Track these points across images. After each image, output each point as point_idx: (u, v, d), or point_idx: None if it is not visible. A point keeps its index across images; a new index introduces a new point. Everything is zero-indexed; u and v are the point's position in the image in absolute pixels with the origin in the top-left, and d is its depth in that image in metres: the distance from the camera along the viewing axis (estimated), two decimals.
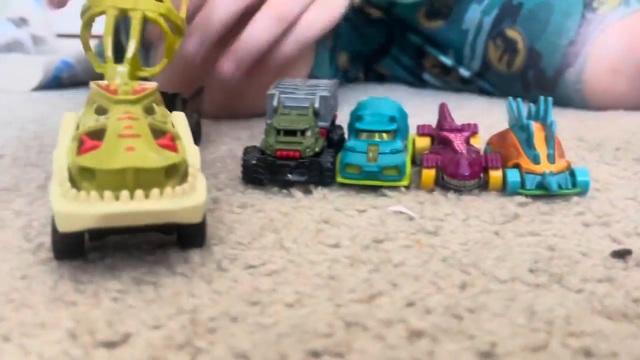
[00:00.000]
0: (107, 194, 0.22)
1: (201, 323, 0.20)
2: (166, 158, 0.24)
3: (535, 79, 0.67)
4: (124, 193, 0.22)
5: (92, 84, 0.28)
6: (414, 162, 0.40)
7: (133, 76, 0.29)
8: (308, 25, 0.46)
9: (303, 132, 0.35)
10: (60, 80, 0.76)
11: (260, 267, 0.25)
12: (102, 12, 0.31)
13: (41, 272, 0.24)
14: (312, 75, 0.60)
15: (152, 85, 0.29)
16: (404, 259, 0.26)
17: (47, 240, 0.27)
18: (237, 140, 0.49)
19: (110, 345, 0.19)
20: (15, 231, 0.28)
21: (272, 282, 0.24)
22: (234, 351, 0.19)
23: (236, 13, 0.45)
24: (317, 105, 0.37)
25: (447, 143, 0.37)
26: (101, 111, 0.27)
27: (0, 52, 0.92)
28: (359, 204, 0.33)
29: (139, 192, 0.22)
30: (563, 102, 0.64)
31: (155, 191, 0.23)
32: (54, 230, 0.24)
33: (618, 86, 0.62)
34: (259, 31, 0.45)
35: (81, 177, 0.23)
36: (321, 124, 0.38)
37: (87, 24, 0.32)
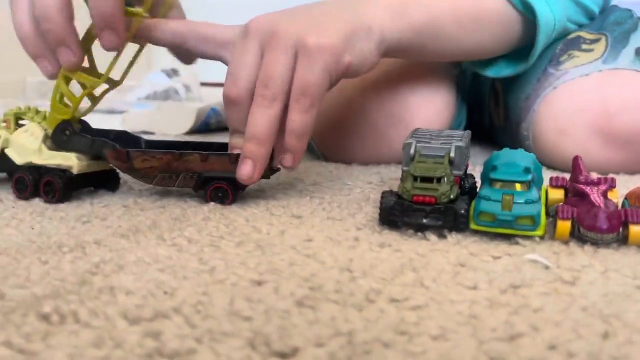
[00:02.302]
0: None
1: (357, 345, 0.23)
2: None
3: (509, 134, 0.65)
4: None
5: None
6: (547, 213, 0.40)
7: None
8: (302, 91, 0.42)
9: (439, 180, 0.38)
10: (209, 126, 0.85)
11: (404, 302, 0.27)
12: None
13: (218, 290, 0.28)
14: (450, 128, 0.63)
15: None
16: (543, 305, 0.27)
17: (220, 263, 0.31)
18: (369, 184, 0.52)
19: (283, 356, 0.22)
20: (190, 255, 0.33)
21: (416, 316, 0.26)
22: None
23: None
24: (452, 154, 0.40)
25: (583, 196, 0.37)
26: None
27: (158, 100, 1.04)
28: (493, 250, 0.34)
29: None
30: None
31: None
32: None
33: (563, 148, 0.56)
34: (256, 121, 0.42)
35: None
36: (456, 172, 0.40)
37: None
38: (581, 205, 0.36)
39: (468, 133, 0.45)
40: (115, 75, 0.47)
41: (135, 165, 0.44)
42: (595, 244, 0.35)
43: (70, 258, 0.32)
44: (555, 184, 0.42)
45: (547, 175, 0.57)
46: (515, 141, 0.63)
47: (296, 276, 0.30)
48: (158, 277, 0.30)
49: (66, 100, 0.46)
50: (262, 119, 0.42)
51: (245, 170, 0.42)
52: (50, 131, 0.46)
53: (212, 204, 0.44)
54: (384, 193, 0.39)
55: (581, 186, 0.38)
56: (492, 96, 0.70)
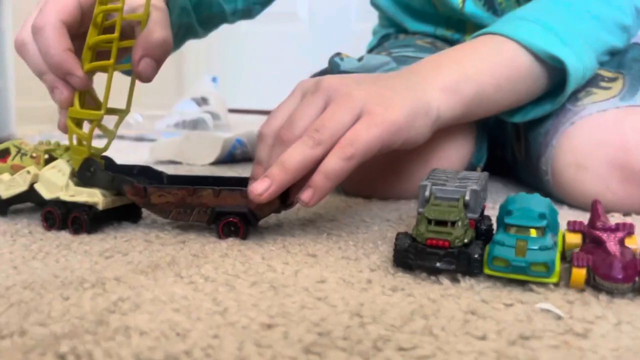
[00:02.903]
0: None
1: None
2: None
3: (530, 169, 0.65)
4: None
5: None
6: (563, 258, 0.40)
7: None
8: (350, 141, 0.43)
9: (453, 223, 0.38)
10: (234, 156, 0.87)
11: (411, 351, 0.27)
12: None
13: (229, 334, 0.29)
14: (470, 163, 0.63)
15: None
16: (551, 359, 0.26)
17: (232, 304, 0.32)
18: (386, 221, 0.53)
19: None
20: (205, 295, 0.34)
21: None
22: None
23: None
24: (467, 197, 0.40)
25: (599, 243, 0.37)
26: None
27: (187, 128, 1.07)
28: (505, 297, 0.34)
29: None
30: (550, 193, 0.60)
31: None
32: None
33: (582, 184, 0.56)
34: (293, 156, 0.43)
35: None
36: (470, 215, 0.40)
37: None
38: (597, 253, 0.36)
39: (485, 175, 0.45)
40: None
41: (152, 200, 0.46)
42: (610, 293, 0.34)
43: (90, 294, 0.34)
44: (572, 228, 0.41)
45: (567, 213, 0.57)
46: (536, 177, 0.63)
47: (306, 320, 0.31)
48: (172, 317, 0.31)
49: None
50: (298, 154, 0.43)
51: (259, 187, 0.43)
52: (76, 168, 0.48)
53: (231, 239, 0.45)
54: (398, 234, 0.40)
55: (597, 232, 0.38)
56: (513, 131, 0.70)
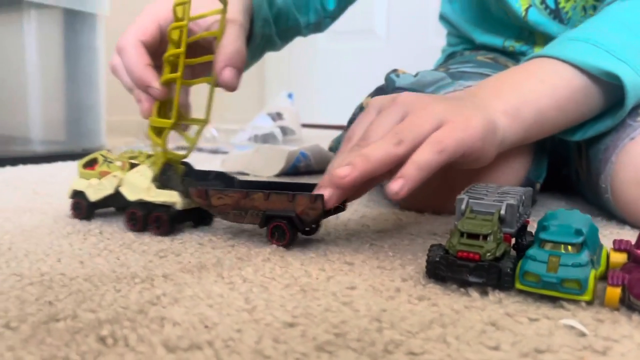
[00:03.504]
0: None
1: None
2: None
3: (592, 186, 0.62)
4: None
5: None
6: (605, 277, 0.39)
7: None
8: (439, 138, 0.44)
9: (486, 237, 0.38)
10: (298, 169, 0.90)
11: (420, 356, 0.28)
12: None
13: (251, 328, 0.31)
14: (526, 179, 0.62)
15: None
16: None
17: (262, 303, 0.34)
18: (432, 235, 0.53)
19: None
20: (239, 294, 0.37)
21: None
22: None
23: None
24: (503, 212, 0.40)
25: (638, 262, 0.36)
26: None
27: (258, 142, 1.12)
28: (532, 312, 0.34)
29: None
30: (613, 213, 0.57)
31: None
32: None
33: None
34: (375, 152, 0.43)
35: None
36: (506, 230, 0.40)
37: None
38: (635, 272, 0.35)
39: (527, 190, 0.45)
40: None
41: (213, 202, 0.49)
42: None
43: (139, 288, 0.37)
44: (618, 247, 0.40)
45: (627, 233, 0.54)
46: (597, 195, 0.61)
47: (327, 322, 0.32)
48: (205, 311, 0.33)
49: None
50: (381, 150, 0.43)
51: (341, 171, 0.42)
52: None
53: (275, 246, 0.48)
54: (431, 246, 0.40)
55: (638, 251, 0.37)
56: (575, 148, 0.68)
